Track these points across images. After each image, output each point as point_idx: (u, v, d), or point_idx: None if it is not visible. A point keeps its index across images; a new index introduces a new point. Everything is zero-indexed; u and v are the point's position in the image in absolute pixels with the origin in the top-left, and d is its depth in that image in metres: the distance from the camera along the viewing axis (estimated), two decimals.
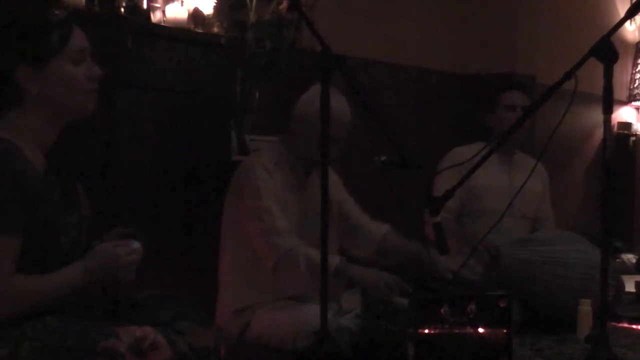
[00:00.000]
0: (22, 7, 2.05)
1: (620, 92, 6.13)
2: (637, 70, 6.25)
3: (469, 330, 2.61)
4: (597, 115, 2.71)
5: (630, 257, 5.01)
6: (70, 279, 1.98)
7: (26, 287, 1.93)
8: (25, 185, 1.92)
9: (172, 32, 3.32)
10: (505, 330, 2.66)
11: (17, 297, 1.91)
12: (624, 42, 6.13)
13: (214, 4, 3.57)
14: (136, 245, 2.05)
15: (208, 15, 3.54)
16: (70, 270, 1.98)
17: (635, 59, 6.27)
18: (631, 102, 6.31)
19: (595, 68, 2.41)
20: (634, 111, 6.40)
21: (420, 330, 2.56)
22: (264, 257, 2.91)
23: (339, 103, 2.88)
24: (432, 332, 2.58)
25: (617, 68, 2.38)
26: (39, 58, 1.98)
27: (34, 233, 1.94)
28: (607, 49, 2.37)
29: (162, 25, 3.36)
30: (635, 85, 6.25)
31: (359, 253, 3.24)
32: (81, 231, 2.08)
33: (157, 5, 3.38)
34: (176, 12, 3.40)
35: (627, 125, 6.25)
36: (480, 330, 2.63)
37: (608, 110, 2.38)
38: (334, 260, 2.79)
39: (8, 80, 1.98)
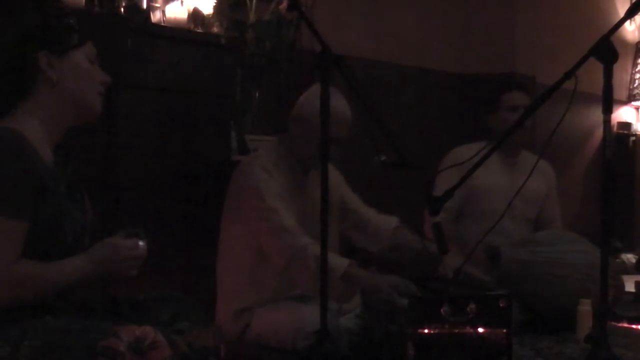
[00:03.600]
0: (42, 8, 2.14)
1: (620, 92, 6.13)
2: (637, 70, 6.25)
3: (469, 330, 2.61)
4: (597, 115, 2.71)
5: (630, 257, 5.00)
6: (74, 269, 2.00)
7: (30, 272, 1.95)
8: (34, 173, 1.96)
9: (172, 32, 3.32)
10: (505, 330, 2.66)
11: (21, 281, 1.93)
12: (624, 42, 6.13)
13: (214, 4, 3.57)
14: (141, 243, 2.06)
15: (208, 15, 3.54)
16: (73, 261, 2.01)
17: (635, 59, 6.27)
18: (631, 102, 6.30)
19: (595, 68, 2.41)
20: (634, 111, 6.40)
21: (420, 330, 2.56)
22: (275, 257, 2.90)
23: (339, 103, 2.87)
24: (432, 332, 2.57)
25: (617, 68, 2.38)
26: (60, 46, 2.07)
27: (40, 222, 1.97)
28: (607, 49, 2.37)
29: (162, 25, 3.36)
30: (635, 85, 6.25)
31: (370, 248, 3.24)
32: (84, 228, 2.10)
33: (157, 5, 3.39)
34: (176, 12, 3.41)
35: (627, 125, 6.25)
36: (480, 330, 2.62)
37: (608, 110, 2.38)
38: (343, 263, 2.78)
39: (31, 65, 2.05)
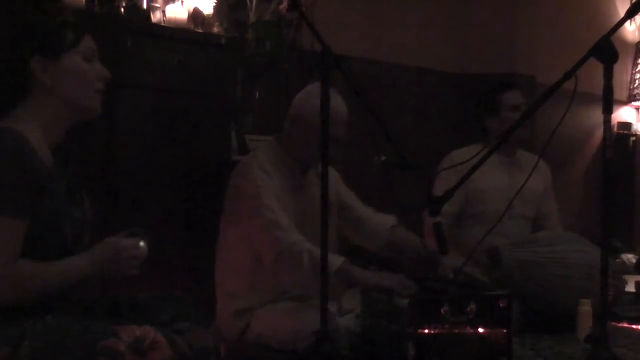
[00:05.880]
0: (38, 6, 2.11)
1: (620, 92, 6.13)
2: (637, 70, 6.25)
3: (469, 330, 2.61)
4: (597, 115, 2.71)
5: (630, 257, 5.01)
6: (74, 269, 2.00)
7: (31, 271, 1.95)
8: (33, 173, 1.96)
9: (172, 32, 3.33)
10: (505, 330, 2.66)
11: (22, 280, 1.93)
12: (624, 42, 6.13)
13: (214, 4, 3.57)
14: (141, 242, 2.07)
15: (208, 15, 3.54)
16: (74, 260, 2.01)
17: (635, 59, 6.27)
18: (631, 102, 6.30)
19: (595, 68, 2.41)
20: (634, 111, 6.40)
21: (420, 330, 2.56)
22: (265, 252, 2.88)
23: (337, 102, 2.86)
24: (432, 332, 2.57)
25: (617, 68, 2.37)
26: (53, 50, 2.05)
27: (39, 222, 1.96)
28: (607, 49, 2.37)
29: (162, 25, 3.36)
30: (635, 85, 6.24)
31: (367, 247, 3.24)
32: (84, 228, 2.10)
33: (157, 5, 3.39)
34: (176, 12, 3.41)
35: (627, 125, 6.24)
36: (480, 330, 2.62)
37: (608, 110, 2.38)
38: (337, 261, 2.77)
39: (24, 70, 2.04)
